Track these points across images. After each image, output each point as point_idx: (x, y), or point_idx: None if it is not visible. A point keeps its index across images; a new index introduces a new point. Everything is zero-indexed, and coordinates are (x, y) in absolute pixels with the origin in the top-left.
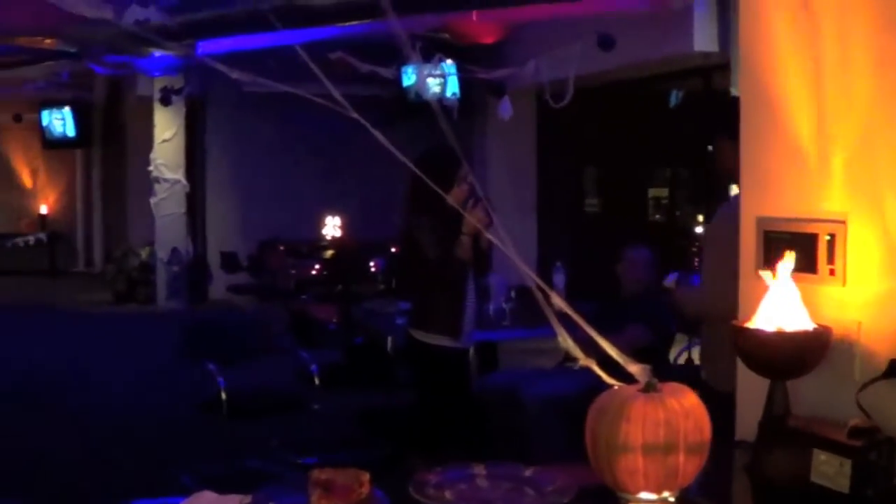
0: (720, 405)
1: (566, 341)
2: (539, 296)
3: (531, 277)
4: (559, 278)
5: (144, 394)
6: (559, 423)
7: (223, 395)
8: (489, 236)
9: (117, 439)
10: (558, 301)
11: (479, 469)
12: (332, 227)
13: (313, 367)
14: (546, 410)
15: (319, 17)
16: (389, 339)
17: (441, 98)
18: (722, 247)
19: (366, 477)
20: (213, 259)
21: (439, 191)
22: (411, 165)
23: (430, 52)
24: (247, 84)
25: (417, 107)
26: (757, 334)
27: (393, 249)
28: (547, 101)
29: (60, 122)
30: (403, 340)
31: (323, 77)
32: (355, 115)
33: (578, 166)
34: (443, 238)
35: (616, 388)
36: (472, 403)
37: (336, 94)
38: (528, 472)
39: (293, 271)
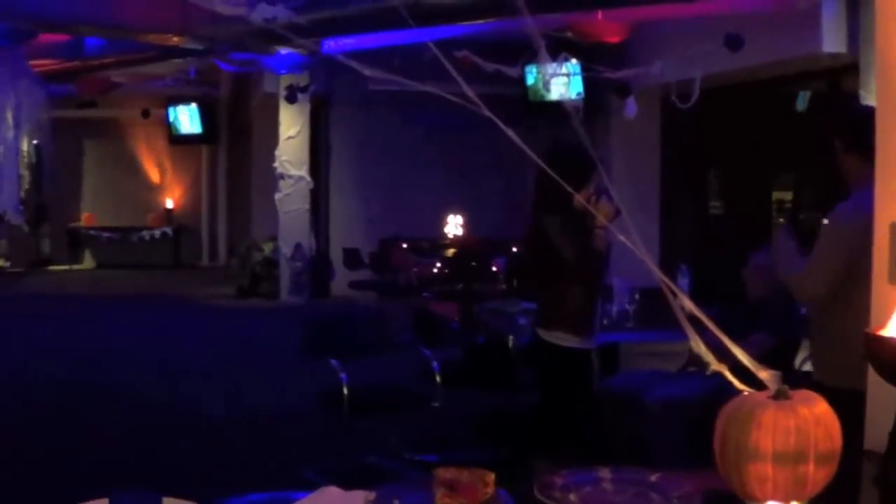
0: (837, 403)
1: (699, 346)
2: (671, 298)
3: (662, 280)
4: (683, 281)
5: (266, 387)
6: (681, 428)
7: (345, 391)
8: (620, 237)
9: (238, 432)
10: (689, 304)
11: (605, 472)
12: (453, 225)
13: (435, 364)
14: (668, 414)
15: (447, 14)
16: (511, 338)
17: (566, 98)
18: (835, 239)
19: (491, 477)
20: (335, 255)
21: (570, 190)
22: (542, 164)
23: (556, 51)
24: (372, 82)
25: (538, 106)
26: (890, 342)
27: (514, 249)
28: (672, 101)
29: (187, 118)
30: (528, 340)
31: (457, 76)
32: (489, 114)
33: (702, 168)
34: (575, 235)
35: (746, 394)
36: (595, 405)
37: (470, 92)
38: (653, 478)
39: (415, 269)
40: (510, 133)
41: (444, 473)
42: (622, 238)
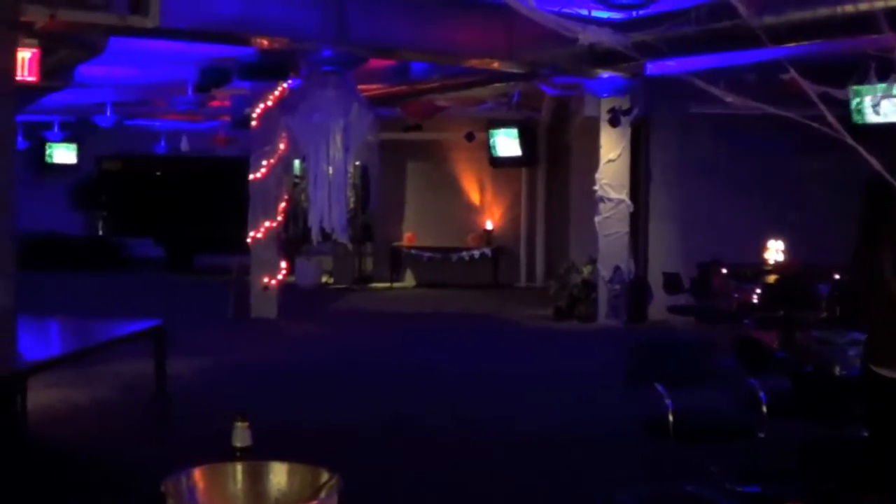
0: None
1: None
2: None
3: None
4: None
5: (585, 409)
6: None
7: (670, 418)
8: None
9: (555, 452)
10: None
11: None
12: (774, 250)
13: (761, 394)
14: None
15: (802, 32)
16: (837, 368)
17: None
18: None
19: None
20: (653, 279)
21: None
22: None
23: (885, 72)
24: (693, 105)
25: (863, 129)
26: None
27: (836, 276)
28: None
29: (508, 141)
30: (857, 372)
31: (820, 104)
32: (851, 142)
33: None
34: None
35: None
36: None
37: (831, 119)
38: None
39: (735, 295)
40: (873, 161)
41: None
42: None
